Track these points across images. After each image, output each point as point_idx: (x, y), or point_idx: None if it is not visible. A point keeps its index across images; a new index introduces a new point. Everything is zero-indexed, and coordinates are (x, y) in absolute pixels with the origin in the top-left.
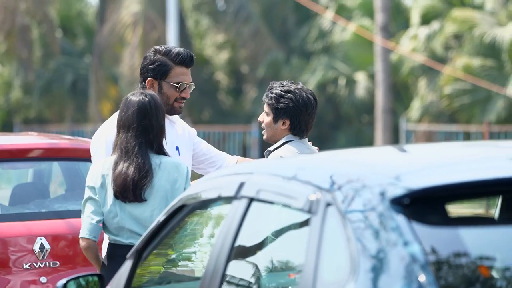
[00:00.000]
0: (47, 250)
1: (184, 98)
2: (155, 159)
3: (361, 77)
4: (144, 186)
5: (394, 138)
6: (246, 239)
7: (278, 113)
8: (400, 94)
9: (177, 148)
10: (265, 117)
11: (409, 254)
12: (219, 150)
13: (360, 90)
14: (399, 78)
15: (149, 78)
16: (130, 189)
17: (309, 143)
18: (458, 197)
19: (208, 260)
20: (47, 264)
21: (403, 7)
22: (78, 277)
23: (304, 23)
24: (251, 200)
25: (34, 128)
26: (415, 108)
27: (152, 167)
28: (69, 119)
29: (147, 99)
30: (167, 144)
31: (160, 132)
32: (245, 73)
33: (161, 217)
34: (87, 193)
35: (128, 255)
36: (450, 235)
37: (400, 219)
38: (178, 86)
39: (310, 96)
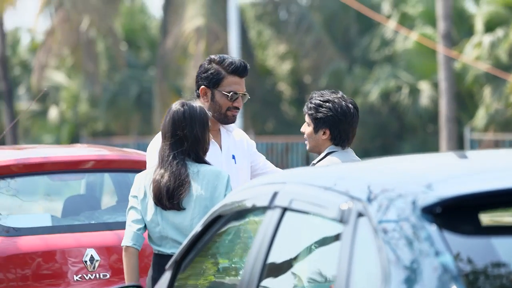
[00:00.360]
0: (97, 262)
1: (237, 108)
2: (193, 168)
3: (424, 86)
4: (181, 195)
5: (458, 147)
6: (280, 250)
7: (318, 123)
8: (465, 102)
9: (233, 157)
10: (306, 128)
11: (440, 265)
12: (283, 161)
13: (424, 99)
14: (463, 87)
15: (202, 86)
16: (165, 197)
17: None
18: (492, 206)
19: (243, 270)
20: (97, 275)
21: (466, 14)
22: None
23: (366, 32)
24: (285, 210)
25: (101, 141)
26: (480, 117)
27: (189, 175)
28: (134, 132)
29: (182, 109)
30: (223, 152)
31: (196, 143)
32: (307, 83)
33: (198, 228)
34: (130, 202)
35: (167, 266)
36: (483, 245)
37: (432, 229)
38: (230, 95)
39: (349, 105)
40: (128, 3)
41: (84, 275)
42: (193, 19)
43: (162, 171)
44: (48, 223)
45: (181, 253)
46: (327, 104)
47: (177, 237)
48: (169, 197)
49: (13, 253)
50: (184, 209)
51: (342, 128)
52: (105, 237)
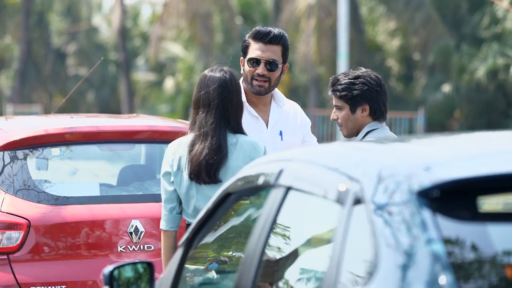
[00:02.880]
0: (141, 233)
1: (261, 76)
2: (232, 138)
3: None
4: (218, 167)
5: None
6: (281, 230)
7: (355, 102)
8: None
9: (280, 133)
10: (339, 113)
11: (431, 253)
12: None
13: None
14: None
15: (241, 58)
16: (205, 171)
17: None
18: (493, 191)
19: (246, 249)
20: (141, 247)
21: None
22: (124, 265)
23: (477, 10)
24: (288, 188)
25: None
26: None
27: (227, 147)
28: None
29: (227, 75)
30: (269, 127)
31: (239, 110)
32: (416, 60)
33: (209, 205)
34: (162, 181)
35: (179, 243)
36: (479, 232)
37: (426, 214)
38: (251, 61)
39: (377, 75)
40: None
41: (128, 246)
42: None
43: (204, 144)
44: (96, 192)
45: (193, 231)
46: (359, 79)
47: None
48: (208, 172)
49: (60, 221)
50: (220, 181)
51: (381, 99)
52: (151, 208)
